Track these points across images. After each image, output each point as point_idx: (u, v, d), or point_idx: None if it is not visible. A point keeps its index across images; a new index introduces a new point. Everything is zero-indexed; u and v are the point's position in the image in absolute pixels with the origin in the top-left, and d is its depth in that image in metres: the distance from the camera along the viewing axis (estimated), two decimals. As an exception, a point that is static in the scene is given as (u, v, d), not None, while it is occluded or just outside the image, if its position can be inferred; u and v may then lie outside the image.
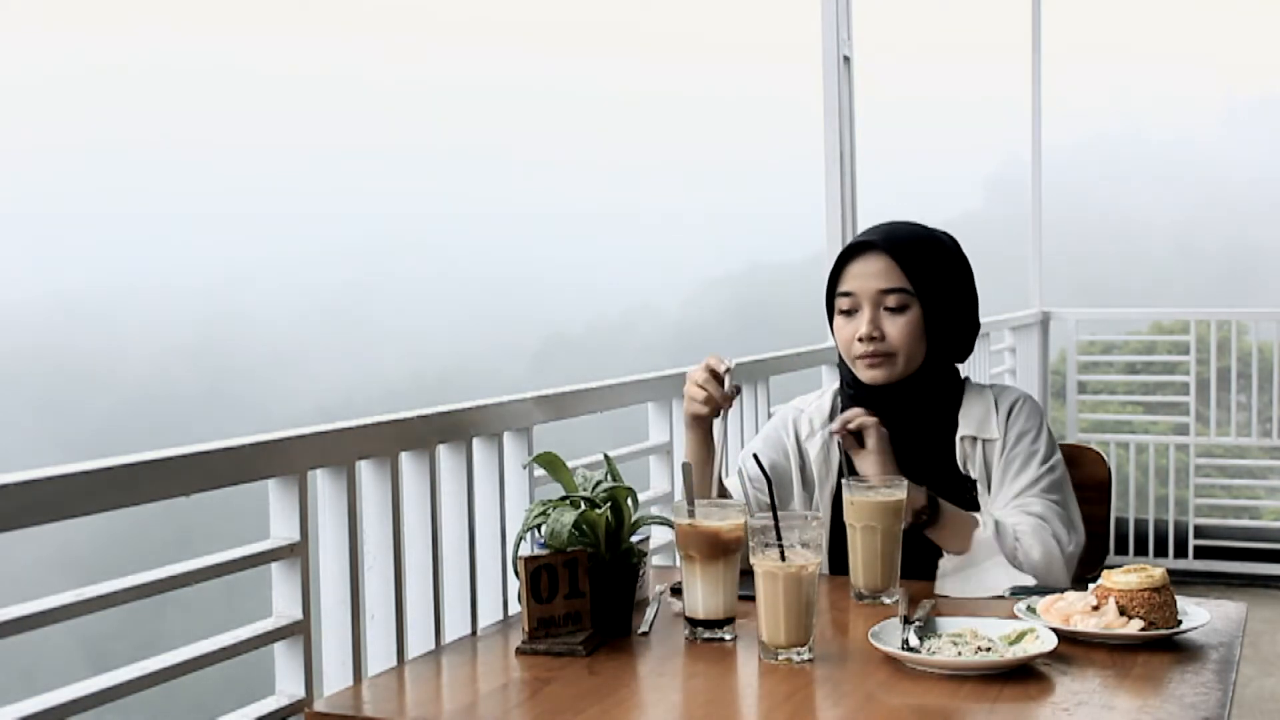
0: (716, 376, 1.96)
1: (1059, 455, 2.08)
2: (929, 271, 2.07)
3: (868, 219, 2.80)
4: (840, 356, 2.17)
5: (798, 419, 2.21)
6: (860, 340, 2.06)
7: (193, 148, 40.76)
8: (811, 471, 2.16)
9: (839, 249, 2.72)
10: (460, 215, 40.66)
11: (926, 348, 2.08)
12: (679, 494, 2.02)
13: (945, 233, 2.17)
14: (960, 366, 2.21)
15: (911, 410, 2.10)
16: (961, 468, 2.08)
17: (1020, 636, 1.60)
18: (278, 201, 39.41)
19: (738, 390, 2.01)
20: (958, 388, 2.14)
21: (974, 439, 2.08)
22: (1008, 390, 2.15)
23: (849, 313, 2.09)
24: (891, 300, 2.06)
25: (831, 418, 2.18)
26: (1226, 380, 5.99)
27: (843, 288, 2.10)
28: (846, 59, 3.31)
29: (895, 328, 2.06)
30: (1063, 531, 1.99)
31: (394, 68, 48.53)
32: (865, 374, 2.09)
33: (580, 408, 2.32)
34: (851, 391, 2.15)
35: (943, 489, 1.99)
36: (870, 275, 2.07)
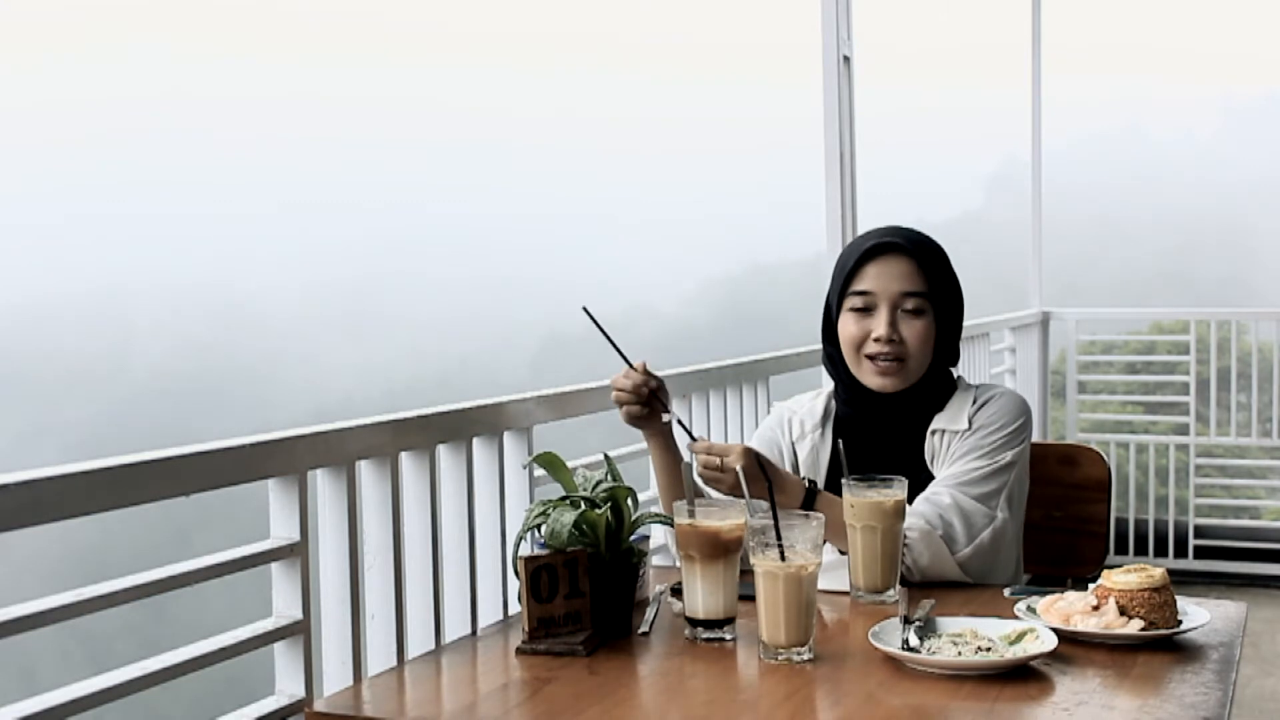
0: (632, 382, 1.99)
1: (1011, 456, 2.03)
2: (943, 279, 2.09)
3: (868, 219, 2.80)
4: (827, 359, 2.17)
5: (791, 419, 2.23)
6: (876, 340, 2.05)
7: (194, 145, 40.75)
8: (800, 471, 2.17)
9: (839, 249, 2.72)
10: (460, 215, 40.66)
11: (933, 354, 2.09)
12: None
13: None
14: (961, 372, 2.21)
15: (900, 414, 2.10)
16: (928, 464, 2.08)
17: (1020, 636, 1.60)
18: (277, 200, 39.40)
19: (658, 383, 2.03)
20: (949, 389, 2.14)
21: (943, 432, 2.08)
22: (994, 388, 2.15)
23: (863, 310, 2.08)
24: (910, 304, 2.05)
25: (824, 420, 2.19)
26: (1226, 380, 5.99)
27: (860, 286, 2.08)
28: (846, 59, 3.31)
29: (912, 332, 2.06)
30: (960, 533, 1.96)
31: (395, 67, 48.51)
32: (875, 380, 2.08)
33: (580, 408, 2.32)
34: (846, 395, 2.15)
35: (911, 487, 1.99)
36: (893, 276, 2.06)
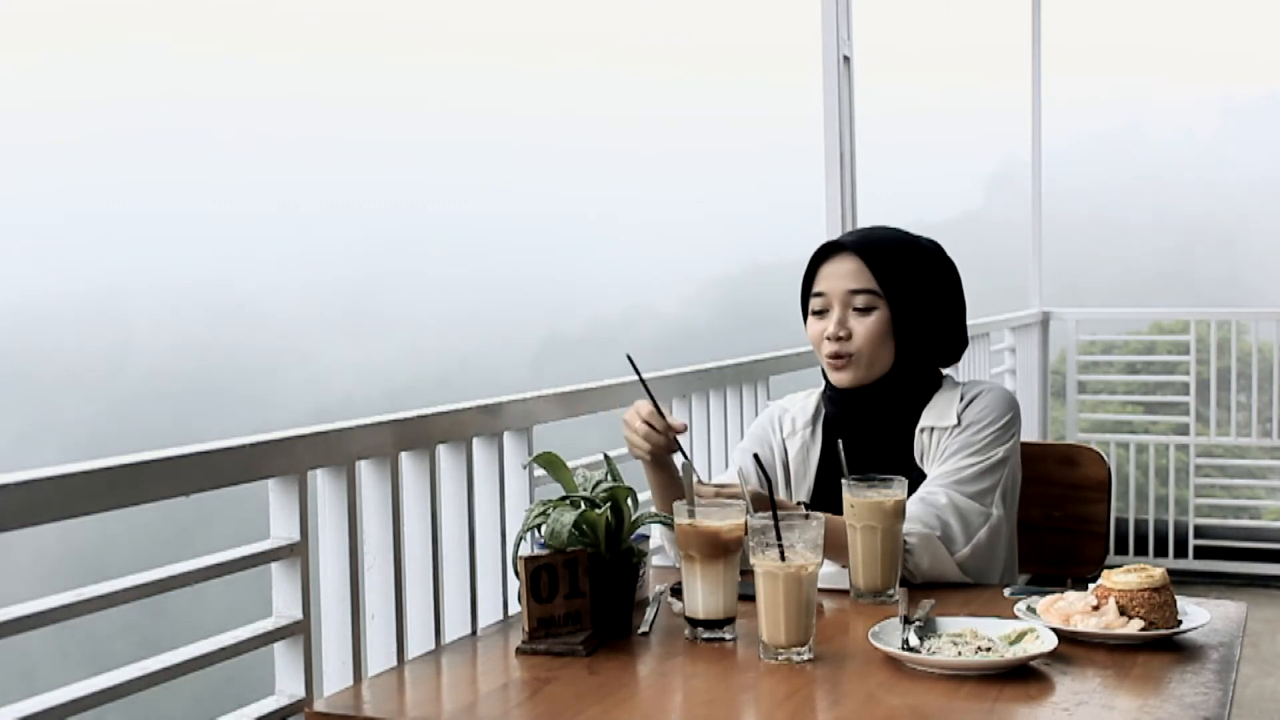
0: (653, 424, 1.91)
1: (1003, 453, 2.04)
2: (899, 275, 2.09)
3: (867, 219, 2.80)
4: None
5: (782, 416, 2.25)
6: (828, 339, 2.10)
7: (194, 145, 40.75)
8: (790, 468, 2.19)
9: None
10: (460, 215, 40.66)
11: (895, 350, 2.09)
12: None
13: (931, 241, 2.19)
14: (951, 370, 2.21)
15: (883, 412, 2.11)
16: (918, 462, 2.09)
17: (1020, 636, 1.60)
18: (277, 200, 39.40)
19: (683, 429, 1.94)
20: (934, 386, 2.15)
21: (931, 429, 2.09)
22: (981, 384, 2.16)
23: (820, 313, 2.13)
24: (859, 301, 2.08)
25: (815, 419, 2.20)
26: (1226, 380, 5.99)
27: (815, 288, 2.14)
28: (846, 59, 3.31)
29: (861, 328, 2.08)
30: (958, 533, 1.96)
31: (395, 67, 48.51)
32: (833, 376, 2.13)
33: (580, 408, 2.32)
34: (831, 393, 2.18)
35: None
36: (840, 276, 2.10)
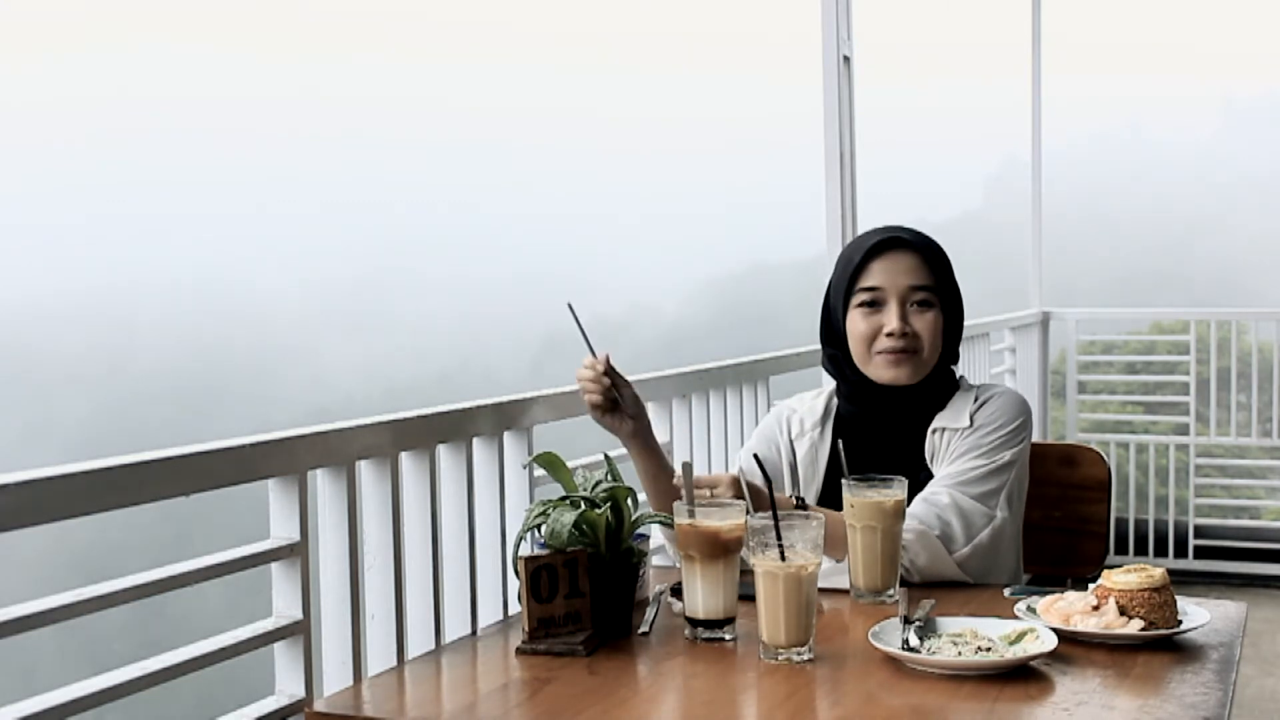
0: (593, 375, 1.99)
1: (1010, 456, 2.04)
2: (946, 275, 2.11)
3: (868, 219, 2.80)
4: (828, 360, 2.18)
5: (790, 417, 2.23)
6: (889, 335, 2.07)
7: (194, 145, 40.74)
8: (798, 469, 2.17)
9: (839, 249, 2.72)
10: (461, 215, 40.66)
11: (942, 349, 2.10)
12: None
13: None
14: (954, 368, 2.22)
15: (903, 411, 2.11)
16: (928, 462, 2.08)
17: (1020, 636, 1.60)
18: (278, 200, 39.40)
19: (602, 361, 2.01)
20: (951, 388, 2.15)
21: (943, 430, 2.08)
22: (995, 387, 2.16)
23: (872, 306, 2.09)
24: (919, 298, 2.08)
25: (824, 419, 2.19)
26: (1226, 380, 5.99)
27: (868, 282, 2.09)
28: (846, 59, 3.31)
29: (923, 324, 2.08)
30: (959, 532, 1.96)
31: (395, 67, 48.50)
32: (885, 372, 2.09)
33: (581, 408, 2.31)
34: (849, 392, 2.16)
35: (911, 486, 1.99)
36: (901, 271, 2.08)
